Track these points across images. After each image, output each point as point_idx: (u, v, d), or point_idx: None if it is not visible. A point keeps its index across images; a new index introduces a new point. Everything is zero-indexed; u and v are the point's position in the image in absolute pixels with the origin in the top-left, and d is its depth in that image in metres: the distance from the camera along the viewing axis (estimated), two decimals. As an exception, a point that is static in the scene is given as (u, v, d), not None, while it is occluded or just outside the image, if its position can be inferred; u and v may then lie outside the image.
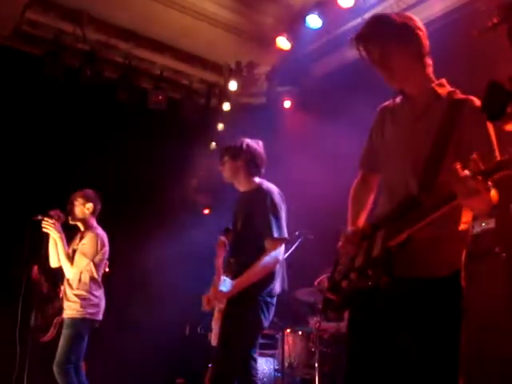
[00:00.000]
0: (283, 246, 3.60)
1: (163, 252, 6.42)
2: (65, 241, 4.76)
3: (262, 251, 3.49)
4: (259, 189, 3.67)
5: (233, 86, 7.19)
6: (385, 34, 2.24)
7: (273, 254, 3.49)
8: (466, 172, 1.77)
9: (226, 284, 3.41)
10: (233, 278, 3.48)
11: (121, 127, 6.84)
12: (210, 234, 6.64)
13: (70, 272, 4.69)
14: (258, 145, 3.81)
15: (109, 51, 6.72)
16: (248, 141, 3.79)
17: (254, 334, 3.55)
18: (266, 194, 3.60)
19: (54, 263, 4.86)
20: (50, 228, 4.69)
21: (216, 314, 3.52)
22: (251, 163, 3.73)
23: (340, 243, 2.36)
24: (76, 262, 4.70)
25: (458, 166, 1.79)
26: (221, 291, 3.41)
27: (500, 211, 3.93)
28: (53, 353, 4.58)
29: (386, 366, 2.20)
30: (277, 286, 3.57)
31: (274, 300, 3.56)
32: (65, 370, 4.43)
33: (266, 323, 3.50)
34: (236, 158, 3.72)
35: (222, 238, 3.60)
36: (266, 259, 3.46)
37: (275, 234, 3.49)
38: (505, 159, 1.70)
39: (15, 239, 4.91)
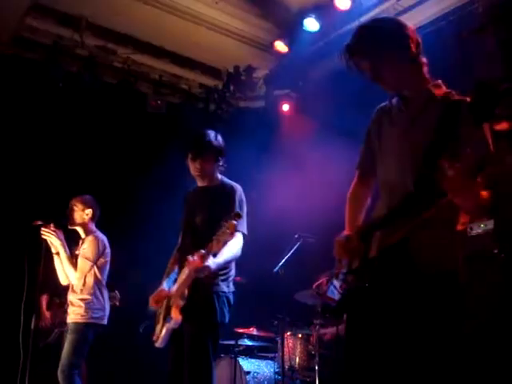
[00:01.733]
0: (243, 240, 3.53)
1: (162, 255, 6.42)
2: (66, 247, 4.74)
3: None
4: (225, 185, 3.66)
5: (231, 90, 7.22)
6: (372, 47, 2.26)
7: (237, 242, 3.44)
8: (454, 169, 1.78)
9: (210, 261, 3.27)
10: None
11: (120, 132, 6.86)
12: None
13: (74, 277, 4.67)
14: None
15: (108, 56, 6.74)
16: (219, 137, 3.76)
17: (219, 330, 3.47)
18: (235, 190, 3.59)
19: (63, 281, 4.85)
20: (51, 235, 4.66)
21: (174, 310, 3.34)
22: (224, 162, 3.74)
23: (334, 250, 2.38)
24: (79, 266, 4.68)
25: (446, 164, 1.80)
26: (208, 266, 3.26)
27: (499, 212, 3.94)
28: (54, 356, 4.58)
29: (385, 366, 2.21)
30: (231, 283, 3.58)
31: (232, 296, 3.55)
32: (70, 376, 4.39)
33: (227, 318, 3.49)
34: (218, 159, 3.70)
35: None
36: (233, 247, 3.41)
37: (239, 228, 3.41)
38: (493, 154, 1.71)
39: (15, 245, 4.92)
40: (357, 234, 2.33)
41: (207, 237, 3.31)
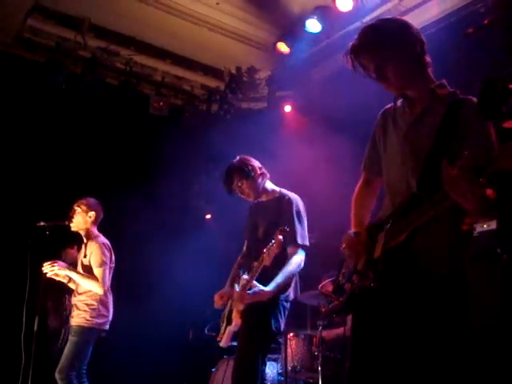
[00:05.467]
0: (304, 253, 3.70)
1: (165, 258, 6.42)
2: (73, 269, 4.69)
3: (284, 256, 3.59)
4: (284, 197, 3.81)
5: (233, 91, 7.22)
6: (377, 46, 2.26)
7: (296, 260, 3.61)
8: (456, 171, 1.77)
9: (255, 290, 3.47)
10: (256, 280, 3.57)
11: (123, 133, 6.87)
12: (211, 240, 6.68)
13: (98, 288, 4.62)
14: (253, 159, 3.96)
15: (110, 58, 6.75)
16: (244, 158, 3.93)
17: (272, 337, 3.69)
18: (292, 201, 3.74)
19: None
20: (54, 270, 4.62)
21: (234, 314, 3.58)
22: (262, 174, 3.89)
23: (342, 247, 2.38)
24: (98, 275, 4.64)
25: (448, 165, 1.80)
26: (261, 290, 3.45)
27: (502, 212, 3.92)
28: (57, 358, 4.58)
29: (389, 367, 2.20)
30: (292, 292, 3.72)
31: (289, 305, 3.70)
32: (67, 376, 4.42)
33: (282, 327, 3.65)
34: (251, 177, 3.84)
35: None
36: (291, 267, 3.58)
37: (299, 241, 3.62)
38: (497, 154, 1.70)
39: (18, 246, 4.92)
40: (365, 231, 2.34)
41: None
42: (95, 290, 4.63)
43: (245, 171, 3.83)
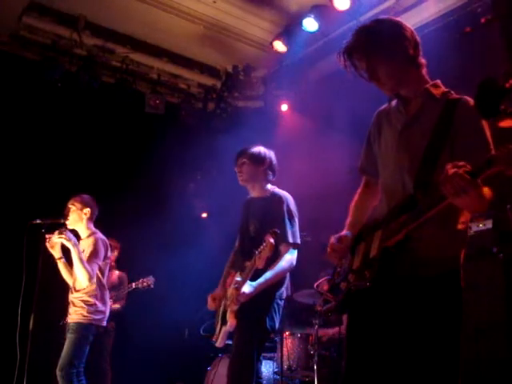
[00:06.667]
0: (296, 252, 3.70)
1: (161, 257, 6.41)
2: (78, 249, 4.58)
3: (275, 255, 3.57)
4: (275, 195, 3.81)
5: (230, 89, 7.22)
6: (368, 47, 2.26)
7: (288, 258, 3.62)
8: (454, 171, 1.77)
9: (246, 286, 3.46)
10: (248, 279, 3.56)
11: (118, 131, 6.85)
12: (207, 238, 6.68)
13: (85, 278, 4.53)
14: (273, 154, 3.97)
15: (106, 55, 6.73)
16: (266, 149, 3.94)
17: (267, 335, 3.68)
18: (283, 200, 3.73)
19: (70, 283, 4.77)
20: (62, 238, 4.54)
21: (229, 315, 3.57)
22: (270, 171, 3.88)
23: (327, 251, 2.39)
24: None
25: (448, 166, 1.80)
26: (243, 292, 3.46)
27: (497, 212, 3.94)
28: (52, 356, 4.57)
29: (384, 367, 2.20)
30: (285, 290, 3.72)
31: (283, 303, 3.70)
32: (68, 374, 4.39)
33: (277, 325, 3.64)
34: (258, 164, 3.84)
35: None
36: (283, 263, 3.59)
37: (290, 240, 3.62)
38: (494, 155, 1.70)
39: (13, 244, 4.90)
40: (353, 236, 2.35)
41: (258, 247, 3.49)
42: (81, 280, 4.56)
43: (254, 155, 3.84)
